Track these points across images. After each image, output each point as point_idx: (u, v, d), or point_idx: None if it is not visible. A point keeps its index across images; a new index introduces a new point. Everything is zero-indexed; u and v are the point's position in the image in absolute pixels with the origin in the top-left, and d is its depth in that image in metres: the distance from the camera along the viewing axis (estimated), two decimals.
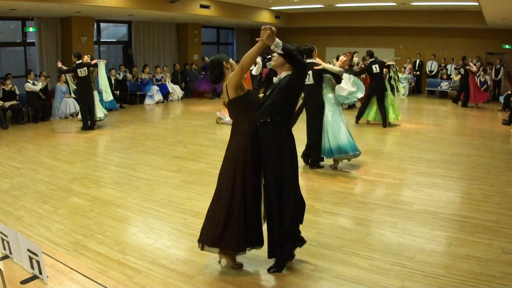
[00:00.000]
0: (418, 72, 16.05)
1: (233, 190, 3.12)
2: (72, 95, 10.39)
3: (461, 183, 5.68)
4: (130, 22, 14.15)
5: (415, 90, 16.09)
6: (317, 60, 6.02)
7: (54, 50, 11.96)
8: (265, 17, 15.60)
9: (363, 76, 10.85)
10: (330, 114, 6.00)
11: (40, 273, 3.11)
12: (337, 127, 5.99)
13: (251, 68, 8.41)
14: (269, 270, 3.29)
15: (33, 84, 10.07)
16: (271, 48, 3.00)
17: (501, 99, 12.99)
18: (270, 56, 12.79)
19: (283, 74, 3.24)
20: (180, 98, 14.27)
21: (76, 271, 3.26)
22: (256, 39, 3.04)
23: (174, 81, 14.30)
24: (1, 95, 9.57)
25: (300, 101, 5.91)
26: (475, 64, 13.95)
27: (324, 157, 6.11)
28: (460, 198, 5.14)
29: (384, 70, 9.50)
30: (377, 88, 9.35)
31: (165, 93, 13.67)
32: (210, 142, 8.15)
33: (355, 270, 3.33)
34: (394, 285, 3.12)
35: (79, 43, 11.76)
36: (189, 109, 12.71)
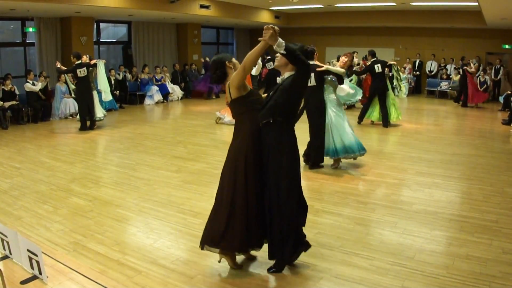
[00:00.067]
0: (417, 72, 16.06)
1: (234, 190, 3.11)
2: (72, 95, 10.39)
3: (461, 183, 5.68)
4: (130, 22, 14.15)
5: (415, 90, 16.09)
6: (316, 63, 6.03)
7: (54, 50, 11.96)
8: (264, 17, 15.60)
9: (363, 76, 10.86)
10: (334, 114, 6.02)
11: (40, 273, 3.10)
12: (342, 127, 6.03)
13: None
14: (269, 270, 3.29)
15: (33, 84, 10.07)
16: (274, 48, 2.97)
17: (501, 99, 13.00)
18: (269, 57, 12.80)
19: (286, 74, 3.22)
20: (179, 98, 14.27)
21: (76, 271, 3.26)
22: (259, 38, 3.00)
23: (173, 81, 14.29)
24: (0, 95, 9.56)
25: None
26: (474, 64, 13.96)
27: (328, 157, 6.13)
28: (460, 198, 5.14)
29: (386, 69, 9.50)
30: (379, 88, 9.33)
31: (165, 93, 13.67)
32: (210, 142, 8.15)
33: (355, 270, 3.33)
34: (394, 285, 3.12)
35: (79, 43, 11.76)
36: (188, 109, 12.71)
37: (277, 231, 3.15)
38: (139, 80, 13.43)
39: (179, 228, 4.13)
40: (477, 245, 3.77)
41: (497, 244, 3.80)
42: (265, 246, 3.30)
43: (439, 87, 15.43)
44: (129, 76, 13.24)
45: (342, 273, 3.29)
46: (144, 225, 4.24)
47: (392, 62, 9.79)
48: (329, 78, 6.03)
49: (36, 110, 10.13)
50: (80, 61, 8.87)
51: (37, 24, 11.44)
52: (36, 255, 3.07)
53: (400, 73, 10.49)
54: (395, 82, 10.41)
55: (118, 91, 12.34)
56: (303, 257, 3.45)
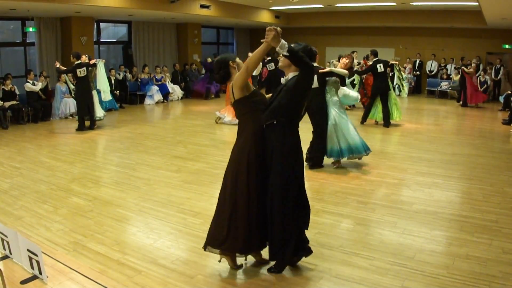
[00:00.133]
0: (418, 72, 16.05)
1: (236, 191, 3.11)
2: (72, 95, 10.39)
3: (461, 183, 5.68)
4: (130, 22, 14.14)
5: (415, 90, 16.08)
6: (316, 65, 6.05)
7: (54, 50, 11.95)
8: (265, 17, 15.60)
9: (364, 76, 10.86)
10: (337, 116, 6.06)
11: (40, 273, 3.11)
12: (346, 128, 6.08)
13: None
14: (269, 270, 3.29)
15: (33, 84, 10.07)
16: (277, 50, 2.94)
17: (501, 99, 13.00)
18: (270, 58, 12.78)
19: (290, 74, 3.20)
20: (180, 98, 14.26)
21: (76, 271, 3.26)
22: (261, 40, 2.97)
23: (174, 81, 14.29)
24: (1, 95, 9.56)
25: None
26: (472, 65, 13.96)
27: (333, 158, 6.18)
28: (460, 198, 5.14)
29: (387, 69, 9.50)
30: (381, 88, 9.33)
31: (165, 93, 13.67)
32: (210, 142, 8.15)
33: (355, 270, 3.33)
34: (394, 285, 3.12)
35: (79, 43, 11.76)
36: (188, 109, 12.71)
37: (279, 233, 3.13)
38: (139, 80, 13.43)
39: (179, 228, 4.13)
40: (477, 245, 3.77)
41: (497, 244, 3.80)
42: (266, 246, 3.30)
43: (439, 87, 15.42)
44: (129, 76, 13.24)
45: (342, 273, 3.29)
46: (144, 225, 4.24)
47: (394, 62, 9.79)
48: (332, 80, 6.07)
49: (36, 110, 10.13)
50: (79, 61, 8.87)
51: (37, 24, 11.44)
52: (36, 255, 3.07)
53: (402, 73, 10.51)
54: (397, 81, 10.43)
55: (118, 91, 12.34)
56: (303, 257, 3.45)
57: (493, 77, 14.45)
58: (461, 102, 13.34)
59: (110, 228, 4.14)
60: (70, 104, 10.72)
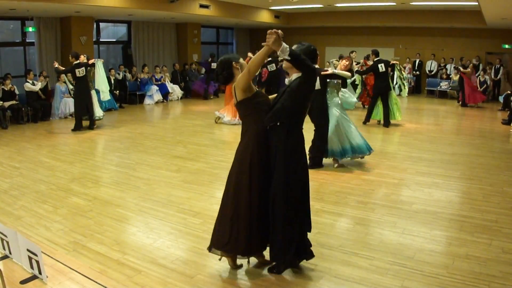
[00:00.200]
0: (417, 72, 16.06)
1: (239, 192, 3.10)
2: (72, 95, 10.39)
3: (461, 183, 5.68)
4: (130, 22, 14.14)
5: (415, 90, 16.09)
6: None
7: (53, 50, 11.95)
8: (264, 17, 15.59)
9: (364, 76, 10.86)
10: (339, 116, 6.13)
11: (40, 273, 3.10)
12: (349, 128, 6.18)
13: None
14: (269, 270, 3.28)
15: (33, 84, 10.06)
16: (278, 54, 2.91)
17: (501, 98, 13.01)
18: (270, 59, 12.71)
19: (294, 76, 3.18)
20: (179, 98, 14.27)
21: (76, 271, 3.26)
22: (262, 43, 2.94)
23: (173, 81, 14.29)
24: (0, 95, 9.55)
25: None
26: (469, 65, 13.97)
27: (338, 158, 6.25)
28: (460, 197, 5.15)
29: (388, 69, 9.51)
30: (382, 87, 9.34)
31: (165, 93, 13.67)
32: (210, 141, 8.14)
33: (354, 270, 3.33)
34: (394, 285, 3.12)
35: (79, 43, 11.75)
36: (188, 109, 12.70)
37: (280, 235, 3.11)
38: (139, 79, 13.43)
39: (179, 228, 4.13)
40: (477, 245, 3.77)
41: (497, 243, 3.80)
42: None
43: (439, 87, 15.43)
44: (129, 75, 13.23)
45: (342, 273, 3.29)
46: (144, 224, 4.23)
47: (394, 62, 9.80)
48: (335, 82, 6.12)
49: (35, 110, 10.13)
50: (78, 61, 8.87)
51: (37, 24, 11.43)
52: (35, 255, 3.07)
53: (403, 72, 10.53)
54: (398, 81, 10.44)
55: (118, 91, 12.34)
56: None
57: (492, 77, 14.46)
58: (460, 102, 13.35)
59: (110, 228, 4.14)
60: (69, 104, 10.70)
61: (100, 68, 9.49)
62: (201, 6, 12.63)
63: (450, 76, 15.07)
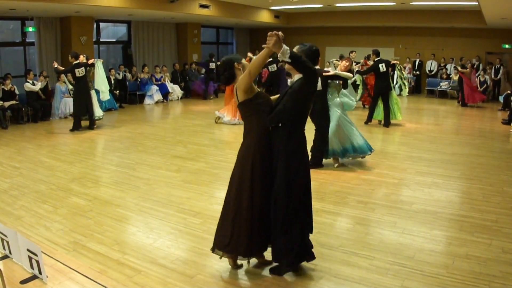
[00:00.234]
0: (417, 72, 16.06)
1: (241, 193, 3.10)
2: (71, 94, 10.39)
3: (461, 183, 5.68)
4: (130, 22, 14.14)
5: (415, 89, 16.09)
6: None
7: (53, 50, 11.95)
8: (264, 16, 15.59)
9: (364, 76, 10.86)
10: (340, 117, 6.15)
11: (40, 273, 3.10)
12: (349, 128, 6.21)
13: None
14: (271, 270, 3.27)
15: (33, 84, 10.07)
16: (278, 56, 2.90)
17: (501, 98, 13.01)
18: (271, 59, 12.70)
19: (296, 76, 3.17)
20: (179, 98, 14.27)
21: (76, 271, 3.26)
22: (262, 46, 2.93)
23: (173, 81, 14.29)
24: (0, 95, 9.56)
25: None
26: (474, 64, 13.97)
27: (339, 157, 6.29)
28: (460, 197, 5.15)
29: (389, 69, 9.51)
30: (383, 87, 9.34)
31: (165, 93, 13.67)
32: (210, 141, 8.14)
33: (354, 270, 3.33)
34: (394, 285, 3.12)
35: (79, 43, 11.76)
36: (188, 108, 12.70)
37: (282, 236, 3.10)
38: (139, 79, 13.43)
39: (179, 228, 4.13)
40: (477, 245, 3.77)
41: (497, 243, 3.80)
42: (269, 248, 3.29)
43: (439, 87, 15.43)
44: (129, 75, 13.23)
45: (342, 273, 3.29)
46: (143, 224, 4.23)
47: (395, 62, 9.81)
48: (336, 82, 6.16)
49: (36, 110, 10.13)
50: (77, 61, 8.87)
51: (37, 24, 11.44)
52: (36, 255, 3.07)
53: (403, 72, 10.55)
54: (399, 81, 10.45)
55: (118, 91, 12.34)
56: None
57: (492, 76, 14.46)
58: (460, 102, 13.35)
59: (110, 228, 4.14)
60: (69, 104, 10.69)
61: (99, 68, 9.48)
62: (201, 6, 12.63)
63: (450, 76, 15.06)
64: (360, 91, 11.03)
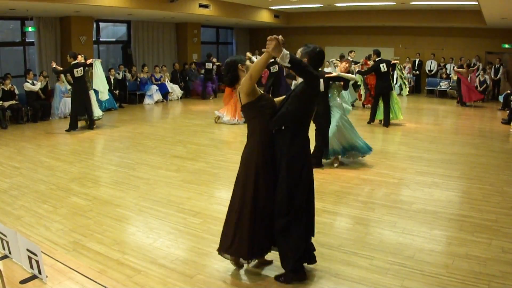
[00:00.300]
0: (417, 72, 16.06)
1: (244, 195, 3.10)
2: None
3: (461, 183, 5.68)
4: (130, 22, 14.13)
5: (415, 89, 16.07)
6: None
7: (53, 49, 11.94)
8: (264, 16, 15.59)
9: (365, 76, 10.85)
10: (340, 117, 6.19)
11: (40, 272, 3.10)
12: (349, 129, 6.26)
13: None
14: (276, 277, 3.22)
15: (32, 84, 10.06)
16: (278, 61, 2.87)
17: (501, 98, 13.01)
18: (273, 60, 12.73)
19: (300, 79, 3.16)
20: (179, 97, 14.26)
21: (76, 271, 3.26)
22: (262, 50, 2.92)
23: (173, 81, 14.29)
24: (0, 95, 9.55)
25: None
26: (474, 64, 13.96)
27: (340, 156, 6.35)
28: (460, 197, 5.15)
29: (389, 68, 9.50)
30: (384, 87, 9.34)
31: (165, 93, 13.66)
32: (210, 141, 8.14)
33: (354, 270, 3.33)
34: (394, 285, 3.12)
35: (78, 43, 11.75)
36: (188, 108, 12.70)
37: (284, 239, 3.09)
38: (138, 79, 13.43)
39: (179, 228, 4.13)
40: (477, 245, 3.77)
41: (497, 243, 3.80)
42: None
43: (438, 87, 15.43)
44: (128, 75, 13.23)
45: (341, 273, 3.29)
46: (143, 224, 4.23)
47: (395, 61, 9.81)
48: (336, 83, 6.19)
49: (35, 110, 10.13)
50: (76, 61, 8.87)
51: (37, 24, 11.43)
52: (35, 255, 3.07)
53: (403, 72, 10.55)
54: (399, 80, 10.46)
55: (117, 91, 12.33)
56: None
57: (492, 76, 14.46)
58: (459, 102, 13.35)
59: (110, 227, 4.14)
60: (69, 104, 10.67)
61: (98, 68, 9.47)
62: (201, 5, 12.63)
63: (450, 75, 15.06)
64: (363, 91, 11.02)
